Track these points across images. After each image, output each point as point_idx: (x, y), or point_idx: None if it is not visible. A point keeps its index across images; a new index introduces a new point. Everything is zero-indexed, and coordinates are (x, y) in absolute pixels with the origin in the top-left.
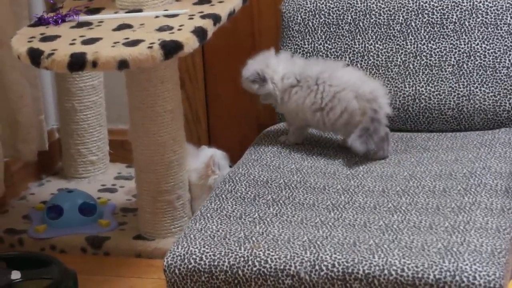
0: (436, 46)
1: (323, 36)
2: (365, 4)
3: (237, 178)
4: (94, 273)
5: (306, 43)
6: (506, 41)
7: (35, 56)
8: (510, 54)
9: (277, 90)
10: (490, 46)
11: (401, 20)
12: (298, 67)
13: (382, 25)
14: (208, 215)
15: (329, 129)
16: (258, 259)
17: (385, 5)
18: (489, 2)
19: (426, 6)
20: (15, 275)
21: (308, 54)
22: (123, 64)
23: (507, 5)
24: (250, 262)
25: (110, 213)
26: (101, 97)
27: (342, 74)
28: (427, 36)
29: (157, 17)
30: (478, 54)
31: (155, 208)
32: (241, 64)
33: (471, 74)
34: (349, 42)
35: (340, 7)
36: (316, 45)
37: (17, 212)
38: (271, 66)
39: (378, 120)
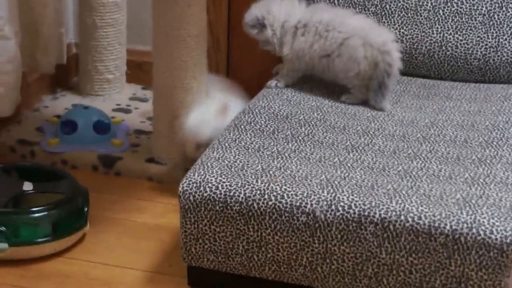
0: None
1: None
2: None
3: (256, 110)
4: (103, 192)
5: None
6: None
7: None
8: None
9: (275, 38)
10: None
11: None
12: (303, 12)
13: None
14: (226, 144)
15: (332, 76)
16: (275, 193)
17: None
18: None
19: None
20: (27, 186)
21: None
22: None
23: None
24: (266, 196)
25: (124, 133)
26: (123, 15)
27: (351, 21)
28: None
29: None
30: (510, 5)
31: (171, 133)
32: None
33: (501, 25)
34: None
35: None
36: None
37: (30, 123)
38: (272, 12)
39: (393, 75)
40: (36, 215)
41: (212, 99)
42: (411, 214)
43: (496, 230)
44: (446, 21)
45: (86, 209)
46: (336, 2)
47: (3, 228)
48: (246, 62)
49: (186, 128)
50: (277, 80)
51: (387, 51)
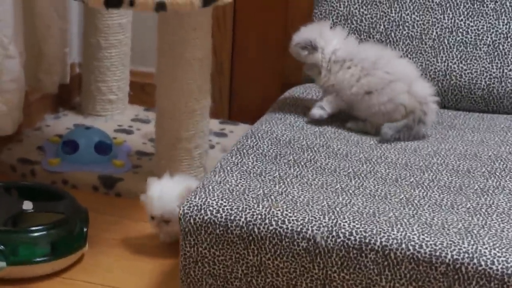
0: (473, 23)
1: (359, 0)
2: None
3: (259, 134)
4: (103, 213)
5: (342, 5)
6: None
7: None
8: None
9: (324, 62)
10: None
11: None
12: (352, 45)
13: None
14: (228, 168)
15: (367, 113)
16: (276, 218)
17: None
18: None
19: None
20: (27, 205)
21: (343, 18)
22: (160, 7)
23: None
24: (267, 221)
25: (125, 154)
26: (127, 36)
27: (398, 64)
28: (465, 12)
29: None
30: None
31: (172, 155)
32: (271, 20)
33: (505, 56)
34: (385, 9)
35: None
36: (352, 9)
37: (32, 142)
38: (325, 37)
39: (424, 123)
40: (35, 234)
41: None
42: (412, 243)
43: (498, 261)
44: (451, 50)
45: (85, 229)
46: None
47: (1, 247)
48: (249, 86)
49: (146, 196)
50: (322, 107)
51: (426, 103)
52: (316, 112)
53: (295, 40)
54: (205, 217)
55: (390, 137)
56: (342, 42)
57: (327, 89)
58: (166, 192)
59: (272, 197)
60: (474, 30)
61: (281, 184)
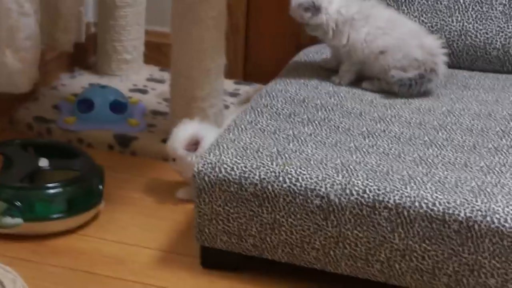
0: None
1: None
2: None
3: (273, 93)
4: (119, 171)
5: None
6: None
7: None
8: None
9: (331, 22)
10: None
11: None
12: (358, 3)
13: None
14: (242, 126)
15: (378, 72)
16: (289, 176)
17: None
18: None
19: None
20: (43, 162)
21: None
22: None
23: None
24: (280, 178)
25: (140, 113)
26: None
27: (407, 22)
28: None
29: None
30: None
31: (187, 114)
32: None
33: None
34: None
35: None
36: None
37: (48, 101)
38: None
39: (436, 73)
40: (51, 191)
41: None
42: (425, 201)
43: (511, 218)
44: (466, 10)
45: (101, 187)
46: None
47: (18, 203)
48: (264, 45)
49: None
50: (340, 78)
51: (437, 55)
52: (336, 80)
53: (297, 1)
54: (219, 175)
55: (401, 82)
56: (348, 1)
57: (337, 49)
58: (177, 133)
59: (286, 155)
60: None
61: (295, 142)
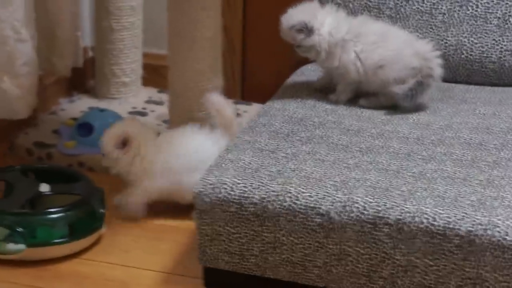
0: None
1: None
2: None
3: (272, 112)
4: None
5: None
6: None
7: None
8: None
9: (324, 43)
10: None
11: None
12: (348, 22)
13: None
14: (241, 146)
15: (379, 87)
16: (289, 195)
17: None
18: None
19: None
20: (44, 187)
21: None
22: None
23: None
24: (281, 197)
25: None
26: (139, 19)
27: (398, 32)
28: None
29: None
30: None
31: None
32: None
33: None
34: None
35: None
36: None
37: (47, 126)
38: (319, 18)
39: (432, 77)
40: (53, 216)
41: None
42: (426, 216)
43: (511, 231)
44: (461, 24)
45: (102, 210)
46: (351, 6)
47: (20, 229)
48: (261, 64)
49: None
50: (337, 96)
51: (430, 59)
52: (333, 98)
53: (289, 23)
54: (219, 195)
55: (404, 96)
56: (336, 21)
57: (331, 70)
58: (111, 129)
59: (286, 173)
60: (484, 3)
61: (294, 160)
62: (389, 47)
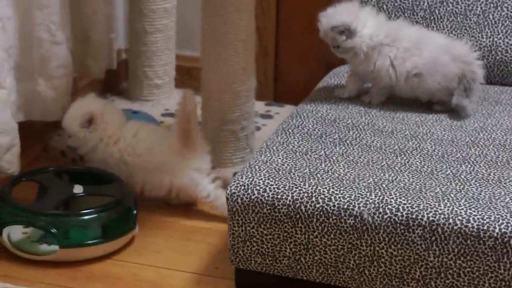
0: None
1: None
2: None
3: (304, 114)
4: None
5: None
6: None
7: None
8: None
9: (364, 46)
10: None
11: None
12: (387, 26)
13: None
14: (274, 148)
15: (416, 94)
16: (322, 196)
17: None
18: None
19: None
20: (78, 189)
21: None
22: None
23: None
24: (313, 199)
25: None
26: (172, 21)
27: (434, 38)
28: None
29: None
30: None
31: (219, 137)
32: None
33: None
34: None
35: None
36: None
37: None
38: (361, 19)
39: (476, 81)
40: (86, 217)
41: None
42: (460, 217)
43: None
44: (496, 25)
45: (135, 211)
46: (384, 7)
47: (54, 230)
48: (294, 67)
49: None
50: (370, 97)
51: (469, 61)
52: (366, 99)
53: (330, 24)
54: (252, 197)
55: (466, 106)
56: (377, 24)
57: (365, 74)
58: (72, 109)
59: (318, 175)
60: None
61: (327, 162)
62: (423, 55)
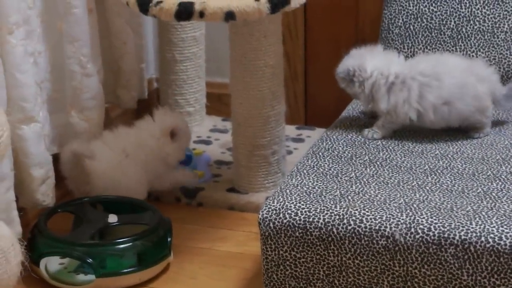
0: (490, 12)
1: None
2: None
3: (334, 137)
4: (187, 222)
5: (411, 4)
6: None
7: (143, 3)
8: None
9: (363, 95)
10: None
11: None
12: (401, 65)
13: None
14: (305, 171)
15: (453, 122)
16: (354, 218)
17: None
18: None
19: None
20: (112, 218)
21: (413, 16)
22: (230, 16)
23: None
24: (345, 221)
25: (205, 164)
26: (201, 49)
27: (454, 61)
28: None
29: None
30: None
31: (250, 162)
32: (342, 24)
33: None
34: (455, 5)
35: None
36: (421, 7)
37: None
38: (365, 66)
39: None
40: (122, 246)
41: None
42: (492, 235)
43: None
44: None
45: (169, 239)
46: (412, 28)
47: (90, 260)
48: (324, 91)
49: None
50: (374, 131)
51: (491, 79)
52: (368, 133)
53: (337, 70)
54: (284, 221)
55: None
56: (388, 67)
57: (382, 114)
58: None
59: (349, 197)
60: (491, 18)
61: (358, 184)
62: (445, 84)
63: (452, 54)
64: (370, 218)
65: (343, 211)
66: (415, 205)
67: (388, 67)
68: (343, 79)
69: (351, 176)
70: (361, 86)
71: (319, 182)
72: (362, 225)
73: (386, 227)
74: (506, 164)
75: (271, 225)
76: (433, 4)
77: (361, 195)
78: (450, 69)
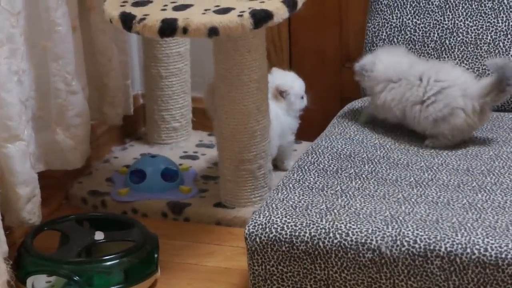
0: (473, 23)
1: (412, 11)
2: None
3: (320, 150)
4: (174, 238)
5: (394, 17)
6: None
7: (127, 20)
8: None
9: (370, 90)
10: None
11: None
12: (404, 65)
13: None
14: (290, 185)
15: (420, 125)
16: (339, 231)
17: None
18: None
19: None
20: (99, 235)
21: (396, 29)
22: (213, 32)
23: None
24: (331, 234)
25: (192, 179)
26: (186, 64)
27: (450, 71)
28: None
29: None
30: None
31: (237, 177)
32: (326, 37)
33: None
34: (438, 17)
35: None
36: (405, 19)
37: (101, 174)
38: (377, 63)
39: None
40: (109, 263)
41: None
42: (477, 246)
43: None
44: (506, 53)
45: (156, 255)
46: (395, 41)
47: (77, 278)
48: (309, 103)
49: None
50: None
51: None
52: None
53: (356, 64)
54: (270, 235)
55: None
56: (394, 66)
57: (374, 105)
58: None
59: (335, 210)
60: (474, 30)
61: (343, 197)
62: (425, 85)
63: (461, 67)
64: (356, 231)
65: (329, 224)
66: (400, 218)
67: (394, 65)
68: (358, 73)
69: (336, 189)
70: (370, 81)
71: (305, 196)
72: (348, 238)
73: (372, 240)
74: (491, 175)
75: (258, 239)
76: (417, 17)
77: (347, 208)
78: (440, 73)
